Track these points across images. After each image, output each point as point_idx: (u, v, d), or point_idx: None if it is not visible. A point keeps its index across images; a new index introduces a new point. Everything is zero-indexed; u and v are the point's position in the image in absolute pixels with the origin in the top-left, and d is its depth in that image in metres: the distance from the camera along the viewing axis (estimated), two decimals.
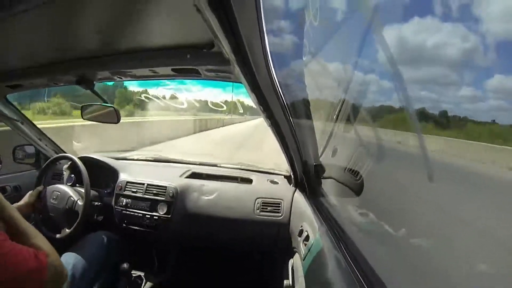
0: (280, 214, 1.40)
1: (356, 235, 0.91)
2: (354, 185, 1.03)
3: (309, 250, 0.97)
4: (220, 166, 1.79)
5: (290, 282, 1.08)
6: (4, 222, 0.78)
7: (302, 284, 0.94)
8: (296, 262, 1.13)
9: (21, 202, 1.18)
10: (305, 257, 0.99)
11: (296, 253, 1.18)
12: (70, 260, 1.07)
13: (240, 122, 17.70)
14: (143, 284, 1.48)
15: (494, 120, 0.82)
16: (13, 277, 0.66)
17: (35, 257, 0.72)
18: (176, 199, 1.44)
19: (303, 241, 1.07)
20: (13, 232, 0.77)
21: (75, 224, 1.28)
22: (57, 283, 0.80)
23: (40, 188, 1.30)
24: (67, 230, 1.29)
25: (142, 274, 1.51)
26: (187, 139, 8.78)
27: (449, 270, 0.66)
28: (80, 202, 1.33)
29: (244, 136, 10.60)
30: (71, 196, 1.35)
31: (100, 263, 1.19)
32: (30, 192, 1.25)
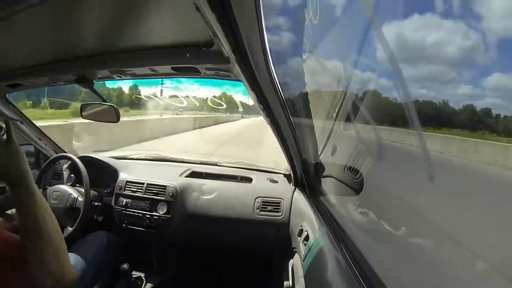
0: (280, 214, 1.40)
1: (356, 235, 0.91)
2: (354, 183, 1.03)
3: (309, 250, 0.97)
4: (220, 165, 1.79)
5: (290, 283, 1.08)
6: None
7: (302, 284, 0.94)
8: (296, 263, 1.13)
9: None
10: (305, 258, 0.98)
11: (296, 254, 1.18)
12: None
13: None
14: (143, 285, 1.48)
15: None
16: None
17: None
18: (176, 199, 1.43)
19: (303, 241, 1.06)
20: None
21: (77, 221, 1.29)
22: None
23: None
24: (69, 228, 1.30)
25: (142, 275, 1.51)
26: None
27: (450, 270, 0.66)
28: (80, 199, 1.34)
29: None
30: (71, 194, 1.35)
31: (100, 264, 1.19)
32: None
